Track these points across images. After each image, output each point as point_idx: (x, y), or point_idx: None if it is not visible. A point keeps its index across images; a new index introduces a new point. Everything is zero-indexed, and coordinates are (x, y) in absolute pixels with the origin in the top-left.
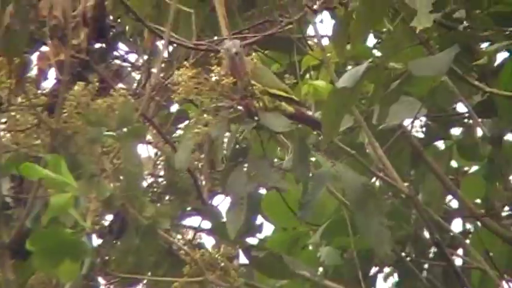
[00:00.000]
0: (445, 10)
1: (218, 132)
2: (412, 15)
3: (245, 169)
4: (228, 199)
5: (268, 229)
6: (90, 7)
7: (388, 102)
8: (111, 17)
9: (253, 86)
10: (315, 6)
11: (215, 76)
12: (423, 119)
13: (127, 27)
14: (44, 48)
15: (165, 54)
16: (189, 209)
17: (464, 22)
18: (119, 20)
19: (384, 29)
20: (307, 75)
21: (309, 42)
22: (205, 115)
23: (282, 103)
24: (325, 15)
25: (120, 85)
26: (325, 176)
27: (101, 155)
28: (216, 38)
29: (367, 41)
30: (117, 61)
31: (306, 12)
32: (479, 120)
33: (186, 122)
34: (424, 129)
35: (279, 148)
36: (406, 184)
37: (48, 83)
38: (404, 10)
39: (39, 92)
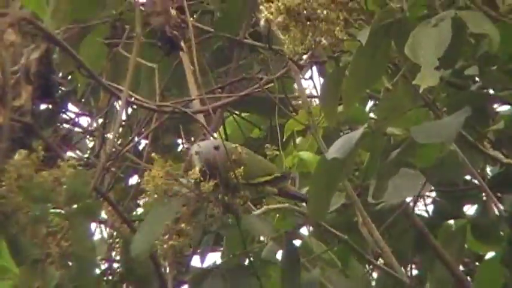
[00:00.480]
0: (454, 67)
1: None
2: (415, 71)
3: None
4: None
5: None
6: (33, 60)
7: (386, 175)
8: (59, 73)
9: (235, 181)
10: (300, 61)
11: (190, 177)
12: (431, 193)
13: (78, 85)
14: None
15: (123, 117)
16: None
17: (477, 80)
18: (68, 77)
19: (382, 88)
20: (292, 142)
21: (294, 102)
22: (183, 225)
23: (265, 188)
24: (313, 71)
25: (70, 154)
26: (313, 284)
27: (46, 236)
28: (184, 98)
29: (362, 103)
30: (66, 125)
31: (289, 68)
32: (496, 195)
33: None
34: (430, 206)
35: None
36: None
37: None
38: (406, 65)
39: None
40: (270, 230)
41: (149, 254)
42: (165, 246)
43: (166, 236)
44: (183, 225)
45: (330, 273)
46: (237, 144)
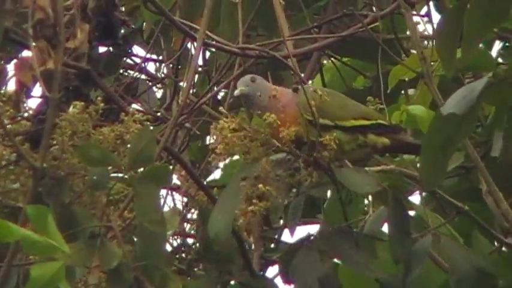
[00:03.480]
0: None
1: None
2: None
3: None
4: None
5: None
6: None
7: None
8: (122, 9)
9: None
10: None
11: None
12: None
13: (145, 24)
14: (26, 53)
15: (199, 62)
16: (232, 283)
17: None
18: (134, 14)
19: None
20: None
21: (404, 46)
22: (260, 186)
23: (367, 137)
24: (429, 6)
25: (135, 106)
26: (424, 255)
27: (107, 206)
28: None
29: (488, 46)
30: (131, 72)
31: (399, 3)
32: None
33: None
34: None
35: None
36: None
37: (32, 102)
38: None
39: (18, 115)
40: (371, 184)
41: (230, 231)
42: (245, 215)
43: (246, 202)
44: (260, 186)
45: (444, 243)
46: (316, 87)
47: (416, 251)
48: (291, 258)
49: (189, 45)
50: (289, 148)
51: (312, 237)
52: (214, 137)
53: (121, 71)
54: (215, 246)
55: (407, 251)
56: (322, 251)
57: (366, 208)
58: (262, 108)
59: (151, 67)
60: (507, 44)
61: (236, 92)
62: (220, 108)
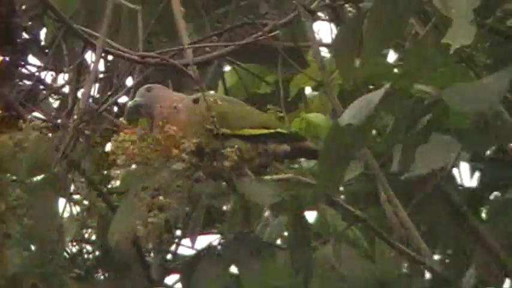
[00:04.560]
0: (495, 13)
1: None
2: (448, 23)
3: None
4: None
5: None
6: None
7: (414, 142)
8: (22, 16)
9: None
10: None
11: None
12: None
13: (44, 31)
14: None
15: (100, 69)
16: None
17: None
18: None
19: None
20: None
21: (304, 54)
22: (161, 198)
23: (268, 145)
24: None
25: (34, 113)
26: (324, 264)
27: (5, 212)
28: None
29: (386, 56)
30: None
31: (299, 12)
32: None
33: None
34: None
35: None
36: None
37: None
38: (437, 16)
39: None
40: (273, 195)
41: (131, 240)
42: (146, 226)
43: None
44: (161, 198)
45: (344, 252)
46: (215, 95)
47: (315, 260)
48: (192, 269)
49: (89, 52)
50: (190, 159)
51: (212, 248)
52: (114, 148)
53: (19, 79)
54: (115, 254)
55: (307, 260)
56: (222, 259)
57: (265, 216)
58: (161, 118)
59: (49, 77)
60: (402, 56)
61: (129, 104)
62: (121, 119)
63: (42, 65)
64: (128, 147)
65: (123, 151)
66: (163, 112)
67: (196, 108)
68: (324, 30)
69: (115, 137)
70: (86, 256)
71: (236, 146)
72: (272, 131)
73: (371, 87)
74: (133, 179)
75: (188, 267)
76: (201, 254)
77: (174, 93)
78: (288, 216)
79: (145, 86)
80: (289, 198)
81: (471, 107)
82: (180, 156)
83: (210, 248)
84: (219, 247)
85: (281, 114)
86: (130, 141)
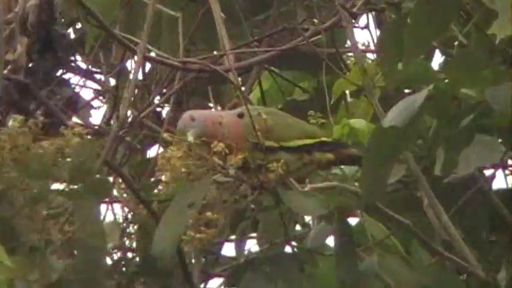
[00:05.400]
0: None
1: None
2: (492, 19)
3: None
4: None
5: None
6: (32, 7)
7: (457, 145)
8: (62, 22)
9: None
10: (353, 8)
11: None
12: None
13: (86, 37)
14: None
15: (140, 76)
16: None
17: None
18: (75, 26)
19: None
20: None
21: (345, 59)
22: (209, 214)
23: (312, 155)
24: (369, 20)
25: (75, 120)
26: (370, 275)
27: (47, 219)
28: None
29: (430, 59)
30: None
31: (340, 17)
32: None
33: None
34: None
35: None
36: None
37: None
38: (480, 12)
39: None
40: (317, 207)
41: (175, 250)
42: (192, 241)
43: (193, 229)
44: (209, 213)
45: (389, 262)
46: (258, 108)
47: (362, 272)
48: (239, 278)
49: (129, 59)
50: (236, 173)
51: (255, 258)
52: (161, 165)
53: (61, 84)
54: (159, 263)
55: (354, 272)
56: (269, 275)
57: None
58: (208, 136)
59: (92, 81)
60: (447, 58)
61: (191, 140)
62: (165, 134)
63: (84, 68)
64: (175, 165)
65: (170, 168)
66: (209, 129)
67: (241, 122)
68: (362, 37)
69: (161, 153)
70: (127, 263)
71: (282, 161)
72: (317, 140)
73: (406, 91)
74: (177, 188)
75: (235, 275)
76: (246, 264)
77: (218, 112)
78: (334, 224)
79: (187, 115)
80: (337, 209)
81: None
82: (227, 171)
83: (253, 256)
84: (263, 258)
85: (323, 121)
86: (178, 158)
